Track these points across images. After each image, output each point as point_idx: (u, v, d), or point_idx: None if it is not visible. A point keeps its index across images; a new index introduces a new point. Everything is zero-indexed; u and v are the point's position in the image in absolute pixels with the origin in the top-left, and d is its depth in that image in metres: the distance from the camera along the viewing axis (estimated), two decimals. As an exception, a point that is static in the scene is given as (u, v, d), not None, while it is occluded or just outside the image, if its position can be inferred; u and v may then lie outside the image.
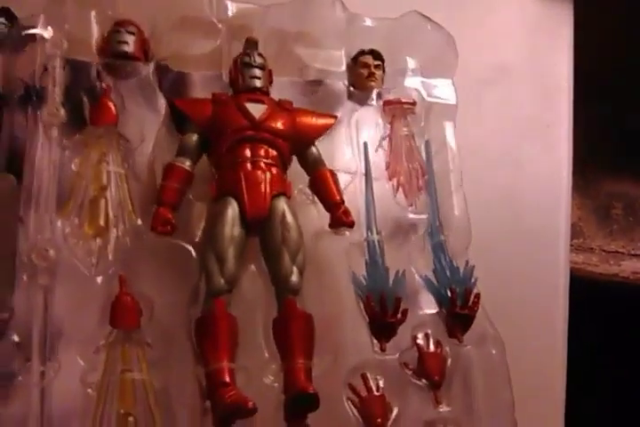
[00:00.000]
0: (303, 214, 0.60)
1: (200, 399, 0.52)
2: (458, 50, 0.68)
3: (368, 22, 0.67)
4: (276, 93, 0.62)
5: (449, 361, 0.57)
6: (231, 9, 0.64)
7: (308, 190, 0.62)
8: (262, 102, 0.60)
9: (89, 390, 0.50)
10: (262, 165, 0.58)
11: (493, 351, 0.58)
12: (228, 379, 0.51)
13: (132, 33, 0.60)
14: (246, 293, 0.57)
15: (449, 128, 0.66)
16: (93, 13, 0.61)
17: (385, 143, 0.64)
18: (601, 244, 1.00)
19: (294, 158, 0.62)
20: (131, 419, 0.50)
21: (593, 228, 1.01)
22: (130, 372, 0.51)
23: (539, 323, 0.68)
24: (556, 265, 0.66)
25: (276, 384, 0.54)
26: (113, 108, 0.58)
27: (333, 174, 0.61)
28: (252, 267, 0.58)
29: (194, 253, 0.56)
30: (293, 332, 0.54)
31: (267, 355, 0.55)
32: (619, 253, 0.98)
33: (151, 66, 0.60)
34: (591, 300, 0.79)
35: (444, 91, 0.67)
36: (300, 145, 0.61)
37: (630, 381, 0.96)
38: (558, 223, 0.67)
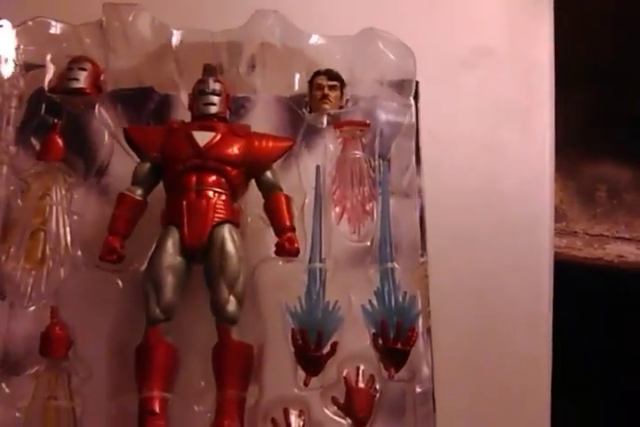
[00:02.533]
0: (259, 240, 0.60)
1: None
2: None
3: (321, 41, 0.66)
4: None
5: (377, 397, 0.55)
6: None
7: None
8: (213, 129, 0.60)
9: (17, 414, 0.53)
10: (208, 193, 0.58)
11: (418, 390, 0.56)
12: (155, 408, 0.52)
13: (84, 69, 0.62)
14: (189, 321, 0.57)
15: (408, 148, 0.63)
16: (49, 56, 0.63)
17: (334, 168, 0.63)
18: (585, 227, 0.94)
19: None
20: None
21: (576, 211, 0.95)
22: (55, 399, 0.54)
23: (523, 310, 0.65)
24: (539, 251, 0.63)
25: (208, 414, 0.55)
26: (60, 143, 0.60)
27: (288, 199, 0.60)
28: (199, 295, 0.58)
29: (121, 285, 0.57)
30: (226, 362, 0.55)
31: (203, 384, 0.56)
32: (603, 237, 0.93)
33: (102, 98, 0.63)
34: (575, 284, 0.75)
35: (402, 110, 0.64)
36: (255, 170, 0.61)
37: (615, 362, 0.90)
38: (542, 209, 0.64)
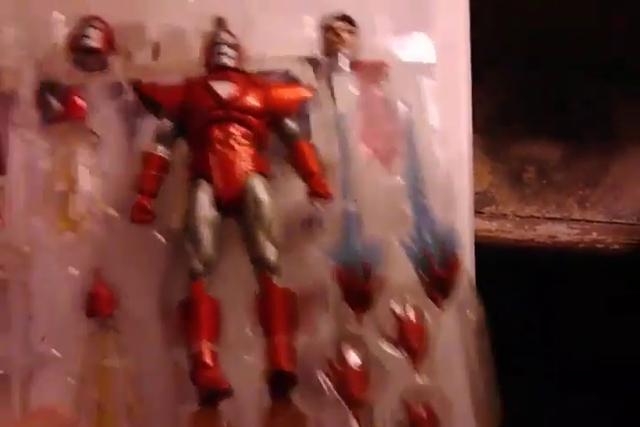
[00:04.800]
0: (287, 188, 0.60)
1: (174, 385, 0.53)
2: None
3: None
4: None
5: (429, 329, 0.55)
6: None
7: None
8: (231, 80, 0.60)
9: (68, 379, 0.53)
10: (233, 144, 0.58)
11: (471, 318, 0.55)
12: (207, 360, 0.52)
13: (96, 27, 0.62)
14: (229, 274, 0.57)
15: (427, 87, 0.62)
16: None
17: (358, 109, 0.62)
18: (514, 209, 0.94)
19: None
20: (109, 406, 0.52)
21: (505, 193, 0.95)
22: (107, 360, 0.53)
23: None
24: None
25: (259, 362, 0.54)
26: (81, 103, 0.59)
27: (310, 146, 0.60)
28: (234, 249, 0.58)
29: (164, 241, 0.57)
30: (272, 308, 0.55)
31: (250, 333, 0.56)
32: (533, 218, 0.92)
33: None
34: (507, 267, 0.76)
35: (419, 47, 0.64)
36: (276, 119, 0.60)
37: (553, 341, 0.90)
38: (460, 192, 0.62)
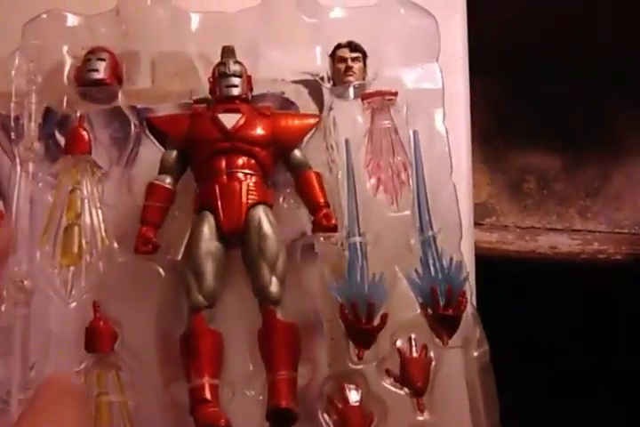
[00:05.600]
0: (293, 220, 0.59)
1: (173, 420, 0.53)
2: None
3: (337, 13, 0.64)
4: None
5: (433, 365, 0.54)
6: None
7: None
8: (237, 111, 0.59)
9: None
10: (239, 175, 0.58)
11: (475, 354, 0.54)
12: (207, 395, 0.52)
13: (103, 59, 0.62)
14: (232, 306, 0.57)
15: (437, 115, 0.62)
16: (66, 48, 0.63)
17: (365, 139, 0.61)
18: (515, 220, 0.91)
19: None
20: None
21: (506, 204, 0.93)
22: (106, 395, 0.53)
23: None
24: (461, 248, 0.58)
25: (260, 397, 0.54)
26: (86, 136, 0.60)
27: (318, 176, 0.60)
28: (239, 280, 0.57)
29: (163, 274, 0.56)
30: (274, 343, 0.54)
31: (251, 368, 0.55)
32: (534, 229, 0.90)
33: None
34: (508, 279, 0.74)
35: (428, 76, 0.63)
36: (283, 149, 0.60)
37: (556, 353, 0.88)
38: (460, 203, 0.60)
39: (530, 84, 0.94)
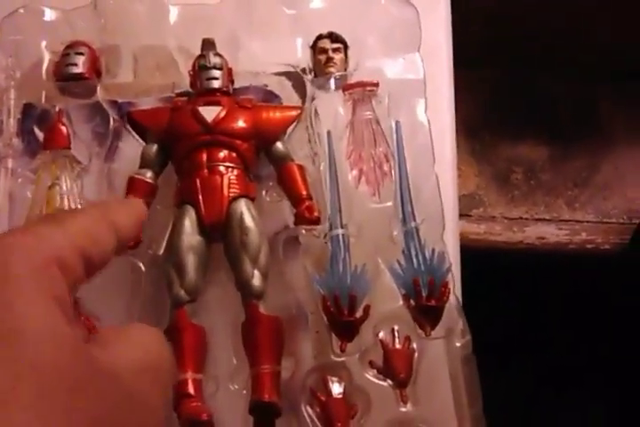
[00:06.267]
0: (276, 212, 0.59)
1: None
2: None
3: (317, 4, 0.64)
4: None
5: (416, 356, 0.54)
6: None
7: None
8: (218, 104, 0.59)
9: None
10: (220, 169, 0.57)
11: (458, 345, 0.54)
12: (190, 390, 0.52)
13: (82, 53, 0.61)
14: (215, 301, 0.57)
15: (419, 105, 0.61)
16: (44, 43, 0.62)
17: (347, 131, 0.61)
18: (503, 211, 0.91)
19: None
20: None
21: (493, 195, 0.92)
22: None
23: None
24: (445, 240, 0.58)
25: (244, 391, 0.54)
26: (65, 131, 0.59)
27: (301, 168, 0.59)
28: (221, 274, 0.57)
29: (144, 269, 0.56)
30: (257, 337, 0.54)
31: (235, 362, 0.55)
32: (522, 220, 0.90)
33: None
34: (497, 270, 0.74)
35: (410, 66, 0.62)
36: (265, 142, 0.60)
37: (545, 343, 0.89)
38: (444, 195, 0.60)
39: (518, 75, 0.94)
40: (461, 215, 0.84)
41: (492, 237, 0.87)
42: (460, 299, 0.57)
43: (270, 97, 0.64)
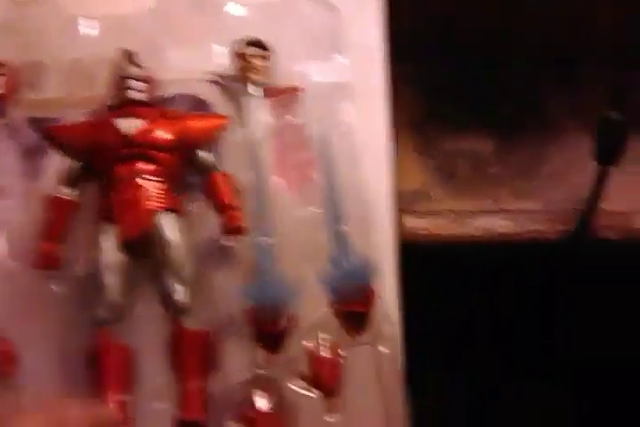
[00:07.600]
0: (205, 224, 0.58)
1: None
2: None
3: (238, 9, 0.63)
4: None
5: (343, 364, 0.53)
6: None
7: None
8: (139, 115, 0.58)
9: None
10: (141, 182, 0.56)
11: (386, 351, 0.53)
12: None
13: (2, 74, 0.60)
14: (145, 318, 0.55)
15: (346, 109, 0.60)
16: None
17: (272, 137, 0.60)
18: (449, 206, 0.90)
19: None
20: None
21: (439, 190, 0.91)
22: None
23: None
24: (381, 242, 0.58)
25: (174, 410, 0.52)
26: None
27: (226, 177, 0.58)
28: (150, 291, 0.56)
29: (65, 291, 0.55)
30: (182, 353, 0.53)
31: (162, 380, 0.54)
32: (468, 212, 0.89)
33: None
34: (446, 264, 0.72)
35: (335, 69, 0.61)
36: (187, 152, 0.58)
37: (500, 336, 0.90)
38: (383, 191, 0.60)
39: (460, 67, 0.93)
40: (407, 211, 0.83)
41: (437, 231, 0.86)
42: (402, 297, 0.56)
43: (200, 105, 0.63)
